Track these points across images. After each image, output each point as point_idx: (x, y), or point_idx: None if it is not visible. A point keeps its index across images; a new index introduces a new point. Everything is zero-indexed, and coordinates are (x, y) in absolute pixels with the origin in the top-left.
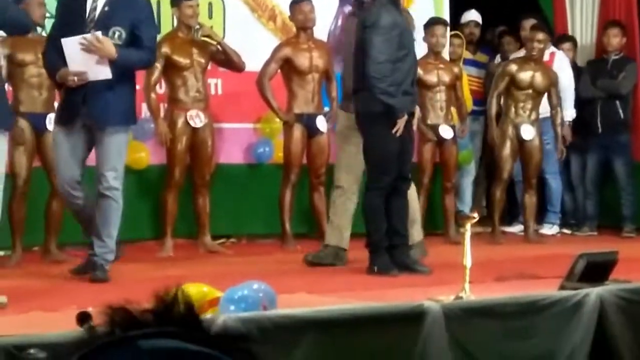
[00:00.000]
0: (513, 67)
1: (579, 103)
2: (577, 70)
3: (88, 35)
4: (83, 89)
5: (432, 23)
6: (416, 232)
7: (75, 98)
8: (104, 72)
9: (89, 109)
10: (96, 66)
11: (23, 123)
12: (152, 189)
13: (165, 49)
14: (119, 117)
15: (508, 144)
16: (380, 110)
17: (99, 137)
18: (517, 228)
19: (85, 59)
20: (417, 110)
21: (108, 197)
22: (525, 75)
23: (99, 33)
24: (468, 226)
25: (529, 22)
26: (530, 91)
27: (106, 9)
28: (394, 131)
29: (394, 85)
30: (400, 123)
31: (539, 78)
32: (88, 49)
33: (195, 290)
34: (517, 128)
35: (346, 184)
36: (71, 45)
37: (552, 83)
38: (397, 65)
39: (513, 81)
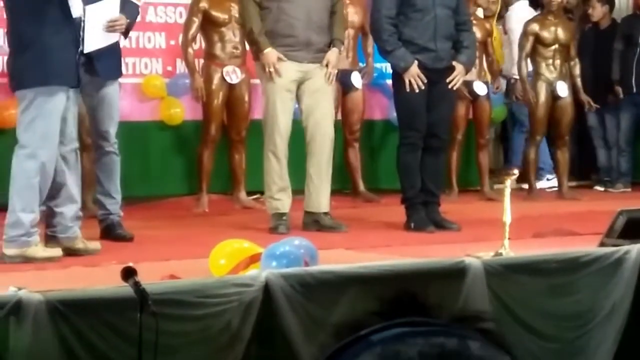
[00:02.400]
0: (535, 26)
1: (612, 61)
2: (615, 27)
3: (112, 16)
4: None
5: None
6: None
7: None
8: (115, 37)
9: (94, 65)
10: (110, 35)
11: None
12: (188, 144)
13: (203, 4)
14: (118, 69)
15: (542, 104)
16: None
17: (100, 93)
18: (543, 183)
19: (102, 31)
20: (458, 68)
21: (113, 153)
22: (548, 32)
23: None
24: (508, 182)
25: None
26: (556, 46)
27: None
28: (407, 87)
29: (392, 41)
30: (407, 77)
31: (561, 32)
32: (112, 29)
33: (237, 246)
34: (551, 85)
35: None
36: (93, 16)
37: (573, 35)
38: (401, 19)
39: (538, 39)
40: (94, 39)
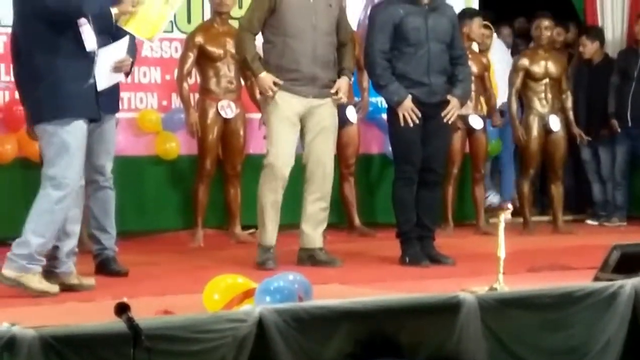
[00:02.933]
0: (525, 61)
1: (607, 94)
2: (607, 61)
3: (120, 57)
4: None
5: (471, 15)
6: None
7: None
8: (121, 77)
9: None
10: (117, 75)
11: None
12: (183, 179)
13: (199, 39)
14: (117, 104)
15: (535, 138)
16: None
17: (99, 128)
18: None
19: (110, 71)
20: (453, 101)
21: (108, 187)
22: (538, 66)
23: (124, 46)
24: (502, 217)
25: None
26: (547, 80)
27: None
28: (401, 121)
29: (385, 75)
30: (401, 112)
31: (552, 65)
32: (119, 69)
33: (231, 281)
34: (543, 119)
35: None
36: (104, 58)
37: (564, 68)
38: (395, 54)
39: (528, 74)
40: (102, 79)
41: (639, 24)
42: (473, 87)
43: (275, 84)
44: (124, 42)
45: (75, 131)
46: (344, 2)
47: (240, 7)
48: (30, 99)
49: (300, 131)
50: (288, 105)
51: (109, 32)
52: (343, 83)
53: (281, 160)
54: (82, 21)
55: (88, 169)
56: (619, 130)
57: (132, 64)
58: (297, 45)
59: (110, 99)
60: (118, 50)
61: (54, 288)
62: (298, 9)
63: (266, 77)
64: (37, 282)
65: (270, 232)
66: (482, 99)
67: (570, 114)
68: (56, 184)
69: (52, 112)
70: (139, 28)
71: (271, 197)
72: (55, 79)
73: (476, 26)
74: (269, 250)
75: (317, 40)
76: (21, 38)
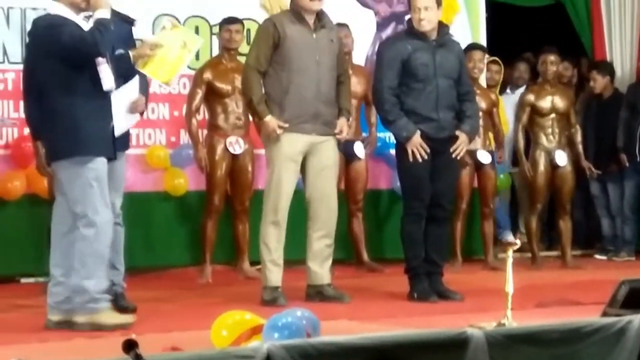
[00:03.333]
0: (531, 97)
1: (616, 129)
2: (617, 95)
3: (134, 97)
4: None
5: (470, 48)
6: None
7: (106, 127)
8: (137, 117)
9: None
10: (133, 116)
11: None
12: (191, 215)
13: (207, 75)
14: (128, 142)
15: (542, 173)
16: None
17: (110, 165)
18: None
19: (126, 113)
20: (461, 137)
21: (118, 224)
22: (545, 102)
23: (136, 85)
24: (510, 253)
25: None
26: (553, 115)
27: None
28: (410, 157)
29: (394, 111)
30: (409, 147)
31: (558, 100)
32: (134, 109)
33: (239, 317)
34: (549, 154)
35: None
36: (118, 101)
37: (572, 103)
38: (403, 90)
39: (534, 110)
40: (120, 122)
41: None
42: (481, 122)
43: (280, 127)
44: (135, 81)
45: (97, 167)
46: (352, 38)
47: (249, 43)
48: (49, 137)
49: (301, 167)
50: (290, 144)
51: (127, 75)
52: (343, 123)
53: (283, 202)
54: (100, 60)
55: None
56: (627, 164)
57: (146, 102)
58: (301, 81)
59: (121, 136)
60: (130, 90)
61: (129, 319)
62: (301, 46)
63: (271, 121)
64: (110, 318)
65: (276, 273)
66: (490, 135)
67: (580, 148)
68: (88, 222)
69: (73, 150)
70: (156, 71)
71: (274, 240)
72: (74, 118)
73: (477, 59)
74: (276, 289)
75: (321, 77)
76: (38, 76)
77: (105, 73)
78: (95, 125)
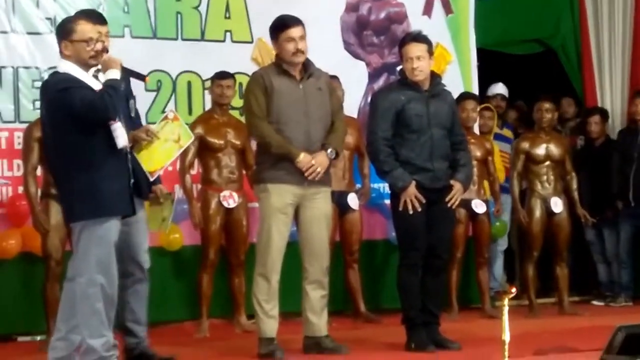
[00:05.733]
0: (525, 144)
1: (611, 174)
2: (609, 141)
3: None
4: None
5: (463, 98)
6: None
7: (121, 186)
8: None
9: (140, 187)
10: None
11: None
12: (187, 269)
13: (199, 130)
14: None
15: (538, 220)
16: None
17: (135, 217)
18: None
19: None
20: (456, 186)
21: (145, 280)
22: (539, 149)
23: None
24: (506, 301)
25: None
26: (548, 162)
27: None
28: (403, 206)
29: (389, 162)
30: (404, 197)
31: (553, 148)
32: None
33: None
34: (545, 201)
35: None
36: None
37: (567, 150)
38: (397, 140)
39: (529, 157)
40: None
41: (635, 104)
42: (476, 171)
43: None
44: None
45: (106, 227)
46: (343, 90)
47: (241, 97)
48: (63, 198)
49: (295, 218)
50: (279, 196)
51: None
52: (319, 156)
53: (272, 254)
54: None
55: (127, 262)
56: (620, 209)
57: None
58: (290, 133)
59: (145, 184)
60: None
61: None
62: (288, 98)
63: (305, 157)
64: None
65: (270, 325)
66: (485, 183)
67: (575, 195)
68: (88, 281)
69: (83, 212)
70: (147, 160)
71: (264, 292)
72: (90, 178)
73: (470, 109)
74: (272, 341)
75: (311, 128)
76: (54, 138)
77: (119, 131)
78: (112, 186)
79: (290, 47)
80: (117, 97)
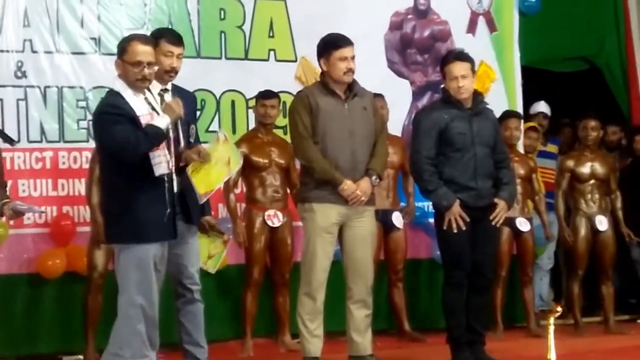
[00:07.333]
0: (570, 163)
1: None
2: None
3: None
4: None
5: (506, 116)
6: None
7: (158, 214)
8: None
9: (190, 213)
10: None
11: None
12: (232, 289)
13: (243, 149)
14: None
15: (583, 239)
16: None
17: (186, 237)
18: None
19: None
20: (500, 204)
21: (196, 301)
22: (584, 168)
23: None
24: (552, 320)
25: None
26: (593, 181)
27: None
28: (448, 226)
29: (433, 181)
30: (449, 216)
31: (598, 167)
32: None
33: None
34: (590, 220)
35: None
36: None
37: (612, 169)
38: (441, 159)
39: (574, 176)
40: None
41: None
42: (520, 189)
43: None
44: None
45: (149, 250)
46: (387, 108)
47: (285, 116)
48: (104, 216)
49: (340, 238)
50: (323, 215)
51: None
52: (362, 183)
53: (317, 273)
54: None
55: (176, 283)
56: None
57: None
58: (335, 152)
59: (197, 210)
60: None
61: None
62: (334, 117)
63: (350, 187)
64: None
65: (314, 344)
66: (529, 202)
67: (620, 214)
68: (128, 300)
69: (120, 236)
70: (200, 182)
71: (308, 311)
72: (123, 204)
73: (513, 127)
74: None
75: (356, 147)
76: (99, 155)
77: (160, 159)
78: (152, 214)
79: (342, 66)
80: (149, 145)
